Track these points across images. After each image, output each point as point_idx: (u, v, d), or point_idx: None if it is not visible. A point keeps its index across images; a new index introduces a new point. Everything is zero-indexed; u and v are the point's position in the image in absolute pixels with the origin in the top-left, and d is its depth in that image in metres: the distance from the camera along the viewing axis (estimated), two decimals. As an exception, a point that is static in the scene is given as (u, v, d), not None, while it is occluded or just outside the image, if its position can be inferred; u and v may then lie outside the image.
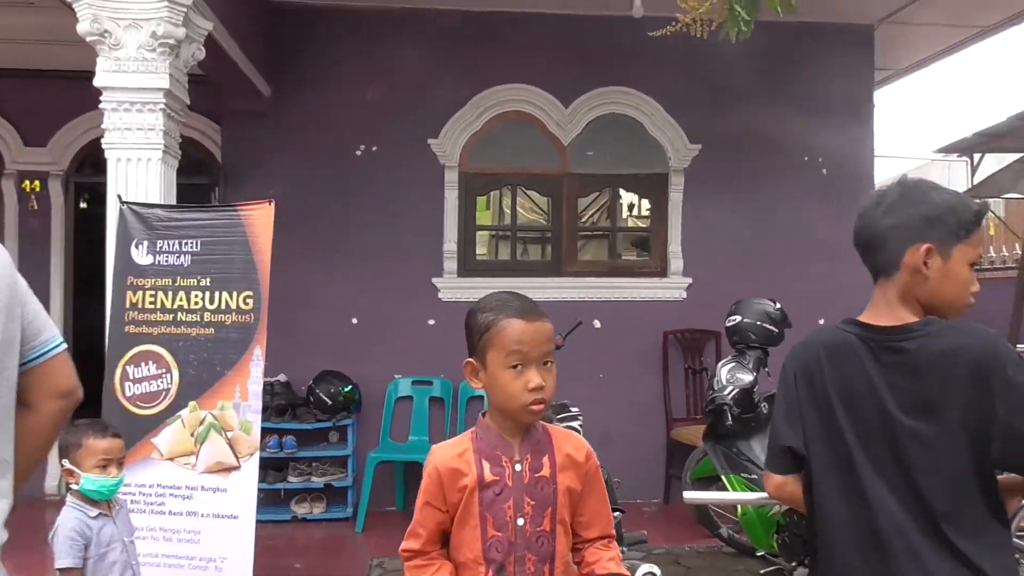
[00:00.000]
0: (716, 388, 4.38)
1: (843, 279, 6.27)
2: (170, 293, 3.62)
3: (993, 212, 8.13)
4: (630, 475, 5.16)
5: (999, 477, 1.64)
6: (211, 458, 3.51)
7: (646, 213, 6.59)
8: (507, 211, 6.64)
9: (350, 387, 5.80)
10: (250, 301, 3.60)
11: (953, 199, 1.74)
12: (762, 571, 4.20)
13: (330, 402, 5.69)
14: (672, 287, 6.25)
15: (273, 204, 3.69)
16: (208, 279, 3.61)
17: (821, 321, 6.35)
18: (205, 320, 3.60)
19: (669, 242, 6.30)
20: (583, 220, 6.69)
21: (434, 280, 6.08)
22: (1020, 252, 7.44)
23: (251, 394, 3.54)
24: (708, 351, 6.26)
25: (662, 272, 6.32)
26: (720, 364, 4.53)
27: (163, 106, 3.78)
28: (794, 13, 3.76)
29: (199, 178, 5.96)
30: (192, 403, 3.56)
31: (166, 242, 3.64)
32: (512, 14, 6.04)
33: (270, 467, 5.71)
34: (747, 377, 4.40)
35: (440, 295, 6.09)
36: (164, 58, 3.76)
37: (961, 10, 6.18)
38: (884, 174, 7.36)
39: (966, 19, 6.35)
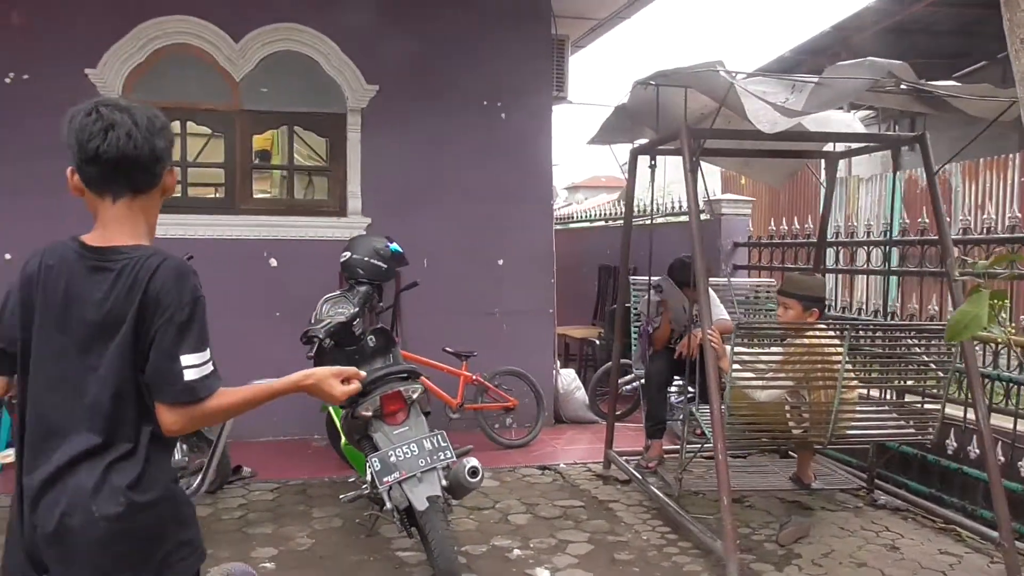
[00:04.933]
0: (312, 321, 4.56)
1: (516, 217, 6.67)
2: None
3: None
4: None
5: None
6: None
7: (323, 152, 6.64)
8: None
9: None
10: None
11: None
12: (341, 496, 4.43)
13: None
14: (351, 227, 6.36)
15: None
16: None
17: (500, 262, 6.74)
18: None
19: (348, 182, 6.42)
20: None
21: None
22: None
23: None
24: (387, 289, 6.46)
25: (341, 212, 6.44)
26: (323, 299, 4.70)
27: None
28: None
29: None
30: None
31: None
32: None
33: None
34: (348, 310, 4.58)
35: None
36: None
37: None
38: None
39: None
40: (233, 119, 6.18)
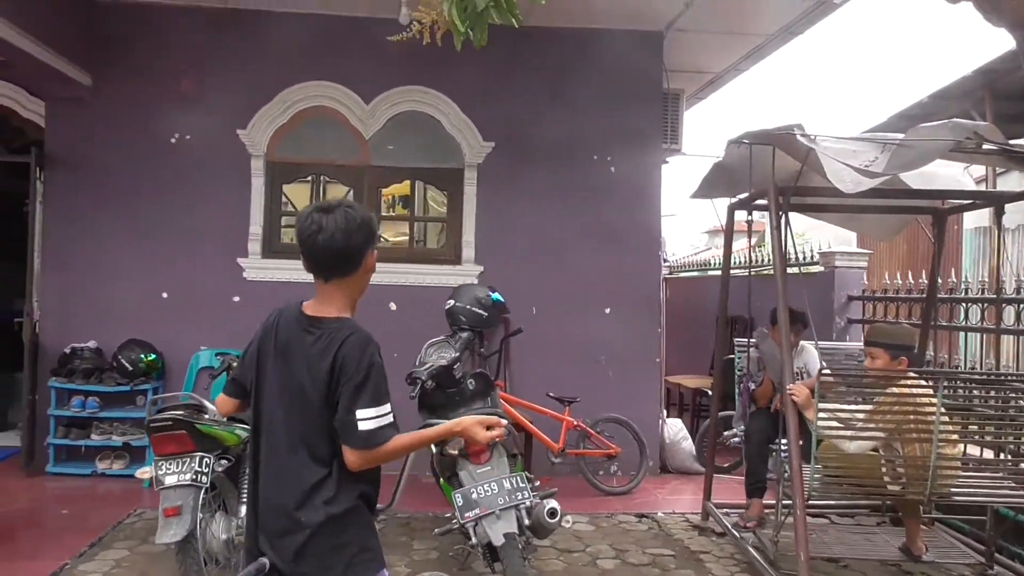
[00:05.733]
0: (417, 364, 4.90)
1: (624, 267, 6.82)
2: None
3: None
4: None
5: None
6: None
7: (443, 204, 7.08)
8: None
9: (153, 355, 6.36)
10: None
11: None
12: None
13: (131, 368, 6.25)
14: (465, 274, 6.75)
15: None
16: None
17: (607, 310, 6.90)
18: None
19: (463, 232, 6.81)
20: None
21: (239, 260, 6.62)
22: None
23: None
24: (497, 333, 6.77)
25: (456, 260, 6.84)
26: (427, 343, 5.04)
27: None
28: (520, 24, 3.84)
29: (24, 156, 6.47)
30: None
31: None
32: (315, 16, 6.57)
33: (74, 426, 6.30)
34: (449, 355, 4.90)
35: (245, 274, 6.63)
36: None
37: (737, 19, 6.64)
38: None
39: (744, 28, 6.80)
40: (362, 174, 6.75)
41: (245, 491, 4.03)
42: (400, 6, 5.80)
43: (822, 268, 7.21)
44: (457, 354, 4.90)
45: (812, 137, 3.63)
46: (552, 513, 3.80)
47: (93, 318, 6.47)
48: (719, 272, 10.28)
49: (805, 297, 4.54)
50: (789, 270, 7.66)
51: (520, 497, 3.74)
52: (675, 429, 7.12)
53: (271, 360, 2.26)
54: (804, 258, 7.90)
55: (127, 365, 6.26)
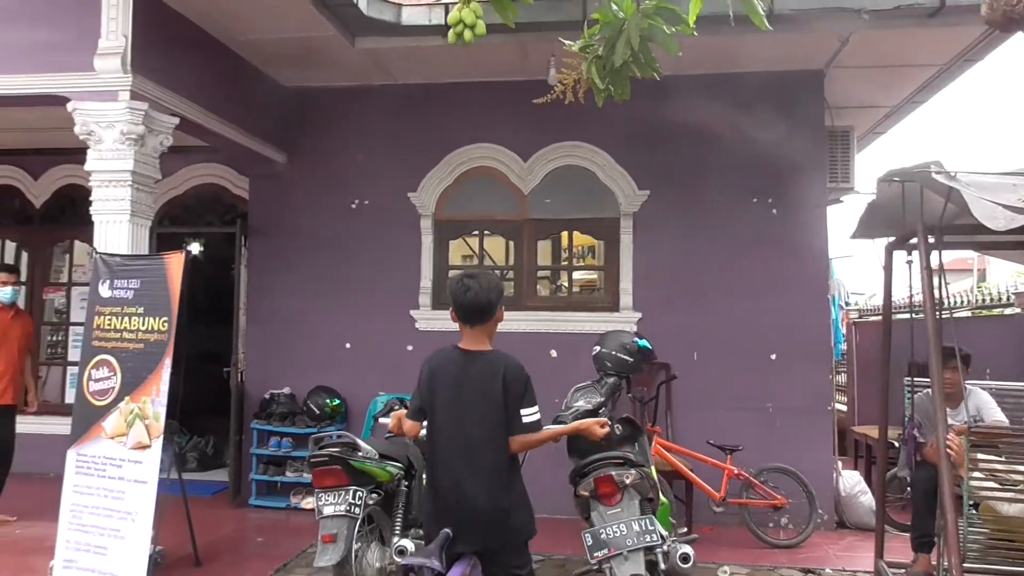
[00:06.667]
0: (563, 409, 5.04)
1: (790, 312, 6.60)
2: (119, 318, 4.99)
3: None
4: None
5: None
6: (135, 438, 4.80)
7: (599, 253, 7.23)
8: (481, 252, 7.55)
9: (337, 400, 6.99)
10: (166, 324, 4.87)
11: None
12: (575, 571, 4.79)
13: (318, 412, 6.90)
14: (623, 321, 6.84)
15: (184, 253, 4.95)
16: (142, 308, 4.93)
17: (772, 356, 6.71)
18: (139, 338, 4.92)
19: (620, 279, 6.93)
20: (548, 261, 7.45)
21: (412, 312, 7.15)
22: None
23: (162, 392, 4.79)
24: (654, 379, 6.76)
25: (614, 307, 6.95)
26: (574, 388, 5.18)
27: (130, 182, 5.21)
28: (660, 77, 3.85)
29: (232, 228, 7.45)
30: (127, 398, 4.87)
31: (119, 280, 5.03)
32: (473, 83, 7.06)
33: (271, 463, 7.03)
34: (594, 400, 5.01)
35: (417, 325, 7.14)
36: (130, 148, 5.19)
37: (897, 51, 6.34)
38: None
39: (909, 59, 6.46)
40: (521, 227, 7.10)
41: (399, 521, 4.37)
42: (549, 68, 6.17)
43: (1019, 310, 6.58)
44: (602, 399, 5.00)
45: (952, 174, 3.45)
46: (684, 558, 3.78)
47: (287, 367, 7.24)
48: (913, 315, 9.65)
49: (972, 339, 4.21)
50: (981, 312, 7.05)
51: (649, 539, 3.76)
52: (852, 481, 6.70)
53: (448, 389, 3.18)
54: (1000, 299, 7.25)
55: (315, 409, 6.91)
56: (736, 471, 6.11)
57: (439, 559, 2.96)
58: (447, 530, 3.03)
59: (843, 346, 9.59)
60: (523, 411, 3.12)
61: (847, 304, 9.54)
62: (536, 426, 3.17)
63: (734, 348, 6.73)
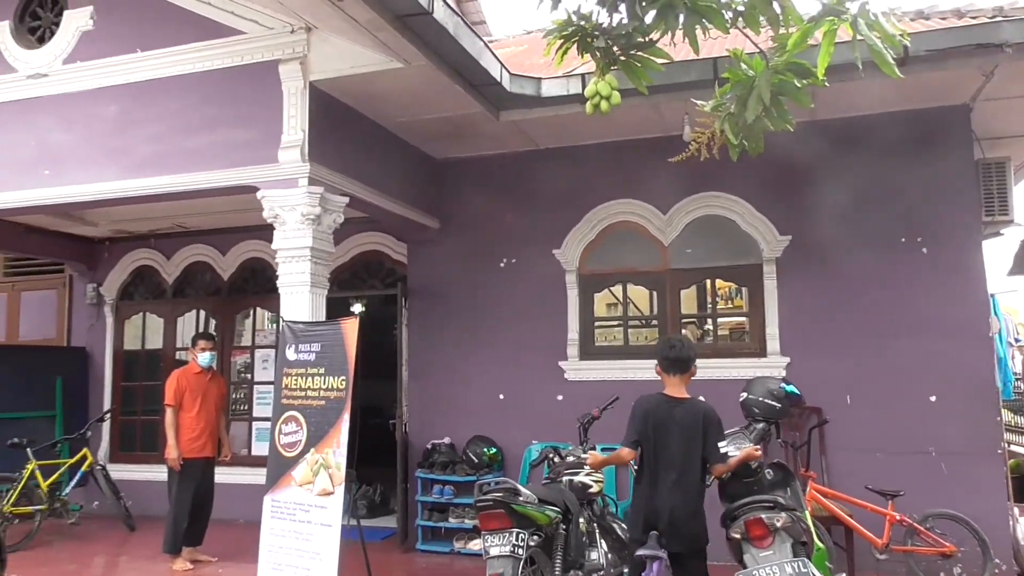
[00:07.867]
0: (714, 453, 5.17)
1: (949, 351, 6.42)
2: (304, 378, 5.61)
3: None
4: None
5: None
6: (320, 486, 5.36)
7: (743, 300, 7.30)
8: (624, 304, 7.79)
9: (495, 449, 7.39)
10: (344, 383, 5.44)
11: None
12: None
13: (476, 460, 7.31)
14: (771, 366, 6.85)
15: (358, 319, 5.52)
16: (323, 368, 5.54)
17: (932, 399, 6.54)
18: (321, 396, 5.52)
19: (766, 325, 6.97)
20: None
21: (560, 363, 7.48)
22: None
23: (342, 444, 5.33)
24: (806, 424, 6.72)
25: (761, 352, 6.99)
26: (725, 433, 5.29)
27: (309, 257, 5.89)
28: (793, 129, 3.67)
29: (393, 290, 8.11)
30: (312, 449, 5.46)
31: (303, 344, 5.67)
32: (612, 143, 7.43)
33: (435, 509, 7.49)
34: (743, 446, 5.11)
35: (566, 375, 7.46)
36: (309, 227, 5.89)
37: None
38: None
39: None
40: (664, 278, 7.31)
41: (559, 562, 4.64)
42: (684, 125, 6.43)
43: None
44: (750, 445, 5.09)
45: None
46: (843, 603, 3.83)
47: (447, 417, 7.73)
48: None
49: None
50: None
51: (801, 583, 3.84)
52: (1031, 529, 6.34)
53: (660, 425, 4.08)
54: None
55: (473, 458, 7.33)
56: (899, 517, 5.95)
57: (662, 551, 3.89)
58: (655, 532, 3.94)
59: (1016, 384, 9.05)
60: (720, 444, 4.12)
61: (1017, 340, 9.01)
62: (727, 456, 4.23)
63: (889, 391, 6.59)
